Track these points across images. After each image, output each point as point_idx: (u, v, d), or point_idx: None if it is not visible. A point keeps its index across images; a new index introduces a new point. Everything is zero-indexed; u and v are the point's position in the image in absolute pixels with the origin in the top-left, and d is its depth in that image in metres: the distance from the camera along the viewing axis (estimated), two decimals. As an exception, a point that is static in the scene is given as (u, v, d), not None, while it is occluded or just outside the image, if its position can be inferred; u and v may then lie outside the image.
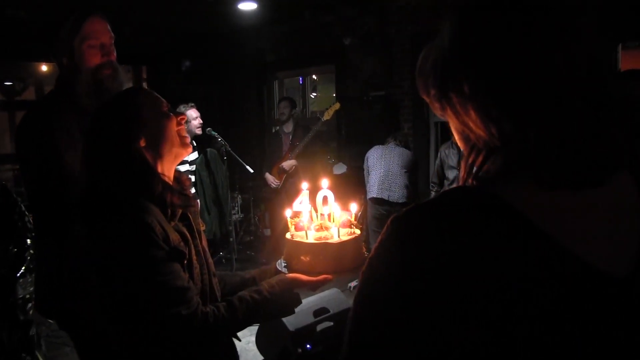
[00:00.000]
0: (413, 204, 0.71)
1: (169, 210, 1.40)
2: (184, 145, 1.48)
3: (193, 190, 4.99)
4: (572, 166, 0.63)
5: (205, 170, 5.25)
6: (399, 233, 0.68)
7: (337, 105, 5.54)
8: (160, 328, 1.33)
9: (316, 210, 1.55)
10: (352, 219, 1.52)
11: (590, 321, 0.61)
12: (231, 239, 5.65)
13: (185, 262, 1.37)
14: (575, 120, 0.63)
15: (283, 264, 1.54)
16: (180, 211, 1.45)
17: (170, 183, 1.46)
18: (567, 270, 0.62)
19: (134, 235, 1.31)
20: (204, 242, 1.54)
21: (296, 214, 1.52)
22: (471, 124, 0.69)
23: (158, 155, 1.43)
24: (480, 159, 0.70)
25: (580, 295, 0.62)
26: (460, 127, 0.73)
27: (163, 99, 1.50)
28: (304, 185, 1.60)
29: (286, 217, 1.52)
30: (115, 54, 1.95)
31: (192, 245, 1.44)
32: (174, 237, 1.36)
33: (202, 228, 1.56)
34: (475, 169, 0.71)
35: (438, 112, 0.76)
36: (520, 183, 0.66)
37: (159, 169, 1.42)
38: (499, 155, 0.67)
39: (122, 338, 1.42)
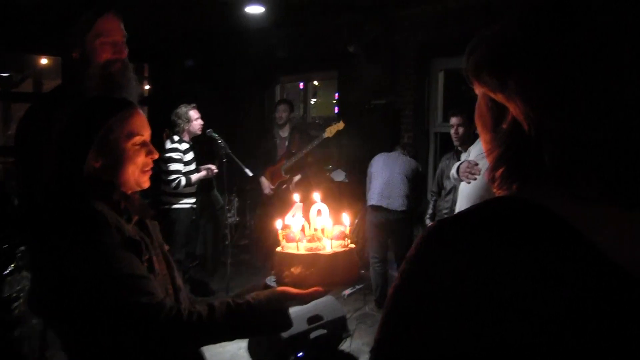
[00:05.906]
0: (455, 215, 0.70)
1: (123, 213, 1.35)
2: (142, 179, 1.44)
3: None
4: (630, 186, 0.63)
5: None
6: (440, 245, 0.66)
7: (340, 125, 5.51)
8: (118, 319, 1.20)
9: (309, 224, 1.49)
10: (347, 232, 1.46)
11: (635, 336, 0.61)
12: (227, 242, 5.60)
13: (146, 264, 1.30)
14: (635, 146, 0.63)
15: (272, 280, 1.47)
16: (136, 217, 1.39)
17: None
18: (615, 284, 0.61)
19: (81, 221, 1.24)
20: (167, 256, 1.48)
21: (286, 226, 1.47)
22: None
23: (114, 176, 1.39)
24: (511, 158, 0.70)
25: (628, 311, 0.61)
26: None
27: (143, 123, 1.44)
28: (296, 197, 1.55)
29: (276, 229, 1.46)
30: (126, 51, 1.96)
31: (152, 252, 1.37)
32: (130, 229, 1.30)
33: (166, 248, 1.51)
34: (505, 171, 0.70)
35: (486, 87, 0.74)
36: (561, 192, 0.65)
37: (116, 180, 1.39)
38: (535, 159, 0.66)
39: (81, 337, 1.30)
